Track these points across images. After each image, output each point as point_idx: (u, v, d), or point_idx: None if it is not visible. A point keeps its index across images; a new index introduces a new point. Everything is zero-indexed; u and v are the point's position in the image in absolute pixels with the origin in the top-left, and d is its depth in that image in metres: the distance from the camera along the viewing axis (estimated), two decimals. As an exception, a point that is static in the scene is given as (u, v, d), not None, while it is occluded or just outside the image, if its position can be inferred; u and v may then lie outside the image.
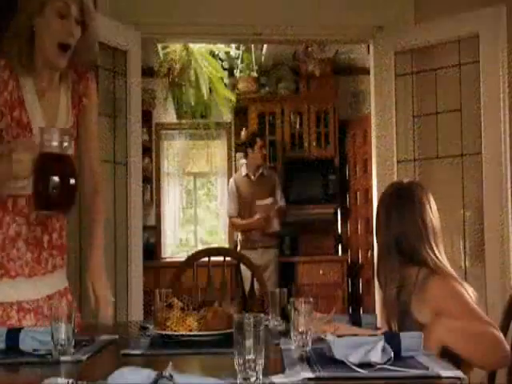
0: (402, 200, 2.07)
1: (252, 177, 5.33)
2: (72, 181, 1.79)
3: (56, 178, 1.74)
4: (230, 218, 5.42)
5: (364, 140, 5.94)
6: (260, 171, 5.33)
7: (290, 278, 5.45)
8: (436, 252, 1.99)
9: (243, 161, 5.49)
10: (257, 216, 5.18)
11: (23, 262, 1.96)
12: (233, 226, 5.52)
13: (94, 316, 2.01)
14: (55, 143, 1.74)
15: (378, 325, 1.98)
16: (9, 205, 1.94)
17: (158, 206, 6.56)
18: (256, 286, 2.83)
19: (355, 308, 5.96)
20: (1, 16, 2.17)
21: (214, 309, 1.79)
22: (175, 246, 6.70)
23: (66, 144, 1.76)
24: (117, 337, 1.73)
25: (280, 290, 1.96)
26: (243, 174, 5.36)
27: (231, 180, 5.48)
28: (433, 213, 2.07)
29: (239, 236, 5.42)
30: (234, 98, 6.17)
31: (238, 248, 5.32)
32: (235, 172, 6.53)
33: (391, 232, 2.07)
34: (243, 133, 6.39)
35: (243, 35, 4.14)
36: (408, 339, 1.45)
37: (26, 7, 1.97)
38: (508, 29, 3.41)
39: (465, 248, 3.55)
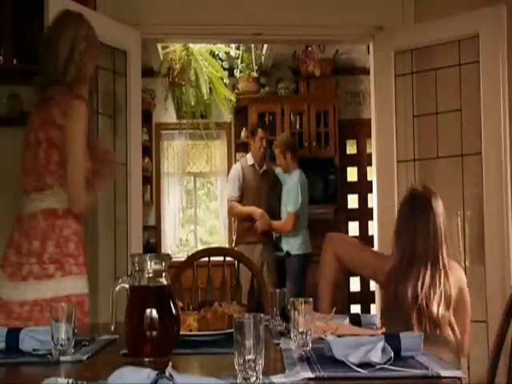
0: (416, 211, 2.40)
1: (258, 168, 5.25)
2: (171, 319, 1.50)
3: (152, 317, 1.45)
4: (231, 201, 5.23)
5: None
6: (265, 167, 5.28)
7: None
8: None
9: (249, 155, 5.40)
10: (261, 210, 5.09)
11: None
12: (231, 210, 5.29)
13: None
14: (150, 274, 1.49)
15: (378, 324, 1.98)
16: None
17: (158, 205, 6.56)
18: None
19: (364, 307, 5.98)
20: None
21: (214, 309, 1.79)
22: (175, 246, 6.70)
23: (164, 274, 1.51)
24: (117, 337, 1.73)
25: (280, 290, 1.96)
26: (249, 163, 5.25)
27: (236, 165, 5.32)
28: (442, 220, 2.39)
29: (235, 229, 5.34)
30: (233, 98, 6.17)
31: (233, 244, 5.29)
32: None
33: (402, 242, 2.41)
34: (243, 133, 6.40)
35: (243, 35, 4.14)
36: (408, 339, 1.45)
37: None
38: (508, 29, 3.41)
39: (465, 248, 3.55)
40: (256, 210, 5.07)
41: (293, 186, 5.21)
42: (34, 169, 2.38)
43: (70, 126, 2.31)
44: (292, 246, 5.21)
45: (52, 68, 2.39)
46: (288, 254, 5.23)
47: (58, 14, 2.52)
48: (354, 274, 6.12)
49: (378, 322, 1.96)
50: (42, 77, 2.43)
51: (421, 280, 2.31)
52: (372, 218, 4.01)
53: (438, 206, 2.41)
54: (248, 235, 5.12)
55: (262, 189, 5.21)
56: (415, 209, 2.42)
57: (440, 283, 2.32)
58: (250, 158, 5.28)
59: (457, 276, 2.41)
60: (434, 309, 2.29)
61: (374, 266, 2.51)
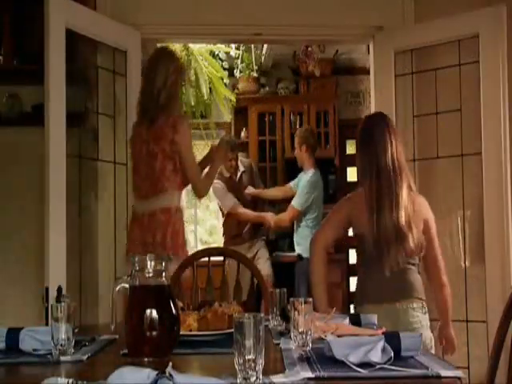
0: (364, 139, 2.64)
1: (234, 177, 5.32)
2: (171, 319, 1.50)
3: (152, 317, 1.45)
4: (233, 207, 5.22)
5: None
6: (239, 173, 5.34)
7: (289, 277, 5.44)
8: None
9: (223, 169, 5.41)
10: (269, 213, 5.24)
11: None
12: (237, 215, 5.23)
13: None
14: (150, 274, 1.50)
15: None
16: None
17: (158, 205, 6.55)
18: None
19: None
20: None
21: (214, 309, 1.79)
22: (175, 245, 6.70)
23: (164, 273, 1.52)
24: (117, 337, 1.73)
25: (280, 290, 1.96)
26: (226, 175, 5.29)
27: (217, 181, 5.19)
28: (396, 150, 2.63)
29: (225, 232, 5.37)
30: (233, 98, 6.16)
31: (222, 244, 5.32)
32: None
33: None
34: (243, 133, 6.39)
35: (243, 35, 4.13)
36: (408, 339, 1.45)
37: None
38: (508, 29, 3.41)
39: (465, 248, 3.55)
40: (263, 218, 5.21)
41: (304, 183, 5.31)
42: (151, 176, 3.01)
43: (182, 139, 2.98)
44: (304, 248, 5.15)
45: (149, 95, 3.06)
46: (300, 257, 5.22)
47: (154, 51, 3.33)
48: (354, 274, 6.13)
49: (376, 321, 1.96)
50: (144, 102, 3.11)
51: (394, 196, 2.56)
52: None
53: (391, 124, 2.65)
54: (236, 236, 5.18)
55: (243, 193, 5.30)
56: (372, 129, 2.63)
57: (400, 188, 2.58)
58: (224, 171, 5.30)
59: (422, 204, 2.65)
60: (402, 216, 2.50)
61: (348, 210, 2.74)
